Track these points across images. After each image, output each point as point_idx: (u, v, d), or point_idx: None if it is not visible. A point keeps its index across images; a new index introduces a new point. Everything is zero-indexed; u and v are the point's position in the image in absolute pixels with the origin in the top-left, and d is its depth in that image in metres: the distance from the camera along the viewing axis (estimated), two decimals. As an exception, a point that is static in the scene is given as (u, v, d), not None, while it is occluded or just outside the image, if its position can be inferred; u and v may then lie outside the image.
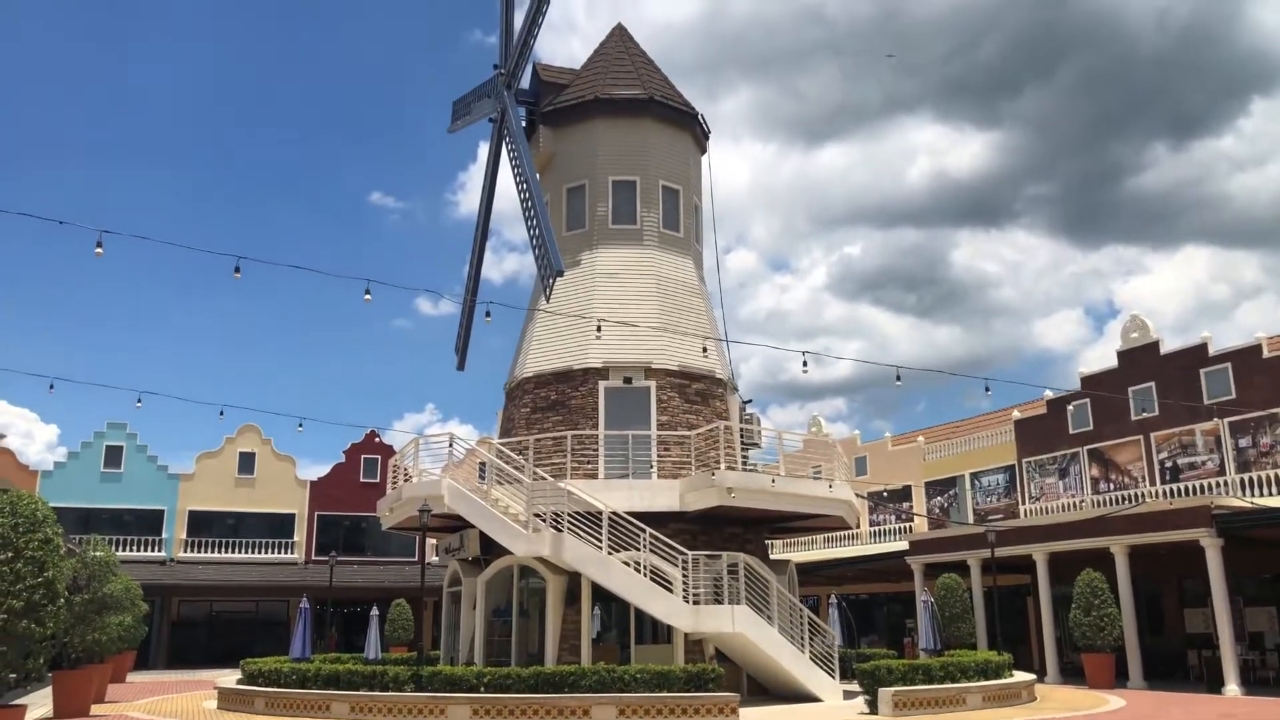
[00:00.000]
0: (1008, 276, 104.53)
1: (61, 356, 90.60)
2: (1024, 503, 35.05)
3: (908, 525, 38.72)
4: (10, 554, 12.64)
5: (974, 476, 37.53)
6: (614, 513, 19.48)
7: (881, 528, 40.20)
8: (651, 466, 21.87)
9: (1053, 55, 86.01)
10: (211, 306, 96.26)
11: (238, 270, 16.99)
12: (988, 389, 20.81)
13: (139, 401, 26.97)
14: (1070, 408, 33.69)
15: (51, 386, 26.00)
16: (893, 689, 17.93)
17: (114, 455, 44.53)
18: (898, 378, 20.45)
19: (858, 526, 29.21)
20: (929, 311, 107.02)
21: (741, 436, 21.82)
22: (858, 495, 25.96)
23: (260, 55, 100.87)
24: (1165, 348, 31.06)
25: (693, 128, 25.87)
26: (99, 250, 15.47)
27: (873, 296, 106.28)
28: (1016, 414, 36.53)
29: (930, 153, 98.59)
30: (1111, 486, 31.94)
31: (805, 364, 20.09)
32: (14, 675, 13.10)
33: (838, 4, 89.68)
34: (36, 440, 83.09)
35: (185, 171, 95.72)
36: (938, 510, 38.51)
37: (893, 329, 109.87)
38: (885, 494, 40.66)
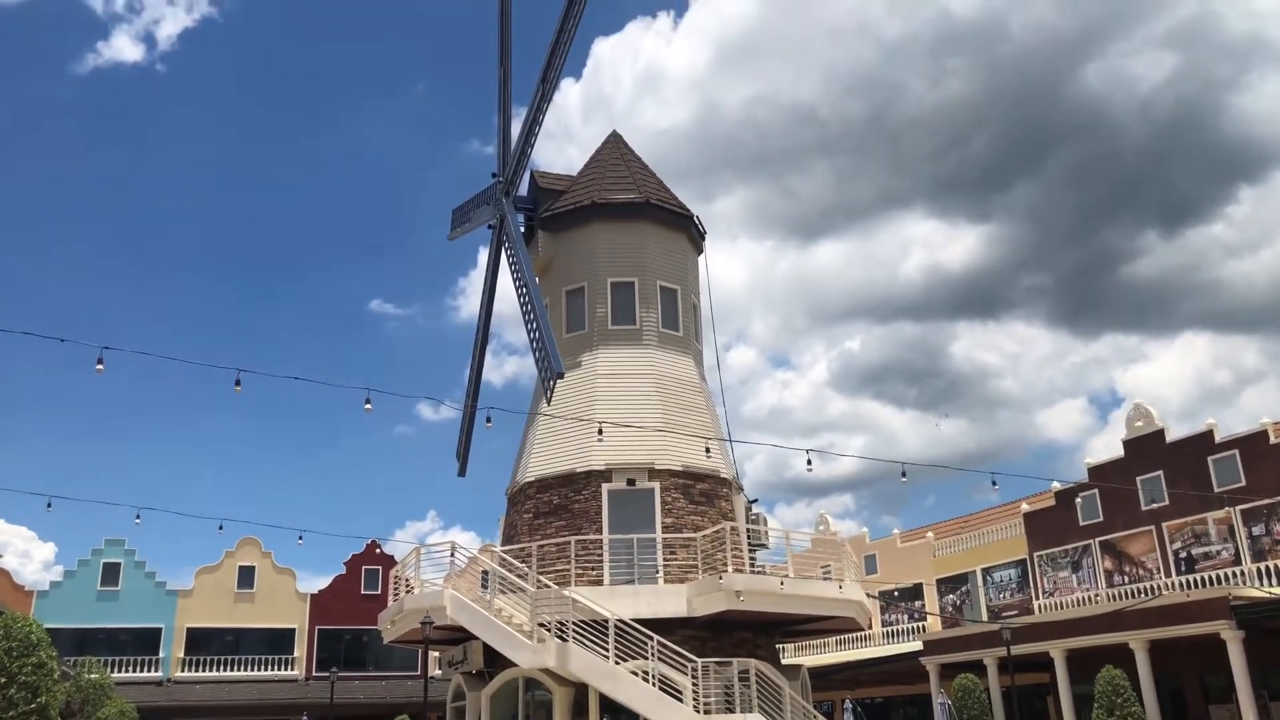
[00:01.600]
0: (1008, 367, 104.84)
1: (61, 474, 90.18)
2: (1038, 598, 34.38)
3: (921, 625, 37.90)
4: (3, 679, 12.28)
5: (985, 572, 36.91)
6: (620, 620, 19.04)
7: (894, 628, 39.34)
8: (657, 571, 21.47)
9: (1041, 148, 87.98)
10: (212, 419, 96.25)
11: (238, 383, 16.98)
12: (994, 483, 20.61)
13: (138, 518, 26.60)
14: (1079, 499, 33.32)
15: (49, 505, 25.69)
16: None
17: (111, 573, 43.84)
18: (903, 474, 20.26)
19: (870, 627, 28.56)
20: (932, 404, 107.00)
21: (749, 537, 21.47)
22: (869, 595, 25.43)
23: (259, 167, 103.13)
24: (1171, 435, 30.89)
25: (688, 229, 26.21)
26: (100, 367, 15.49)
27: (874, 390, 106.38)
28: (1025, 507, 36.13)
29: (925, 247, 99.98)
30: (1126, 579, 31.37)
31: (810, 462, 19.96)
32: (1, 808, 12.58)
33: (828, 106, 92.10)
34: (34, 559, 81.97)
35: (186, 285, 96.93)
36: (950, 608, 37.75)
37: (896, 423, 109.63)
38: (896, 593, 39.90)
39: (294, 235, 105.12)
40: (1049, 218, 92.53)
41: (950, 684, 28.77)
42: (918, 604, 38.99)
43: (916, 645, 32.88)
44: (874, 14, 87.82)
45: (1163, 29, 79.72)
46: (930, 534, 40.62)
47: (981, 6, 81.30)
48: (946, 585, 38.49)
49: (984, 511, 41.48)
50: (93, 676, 22.62)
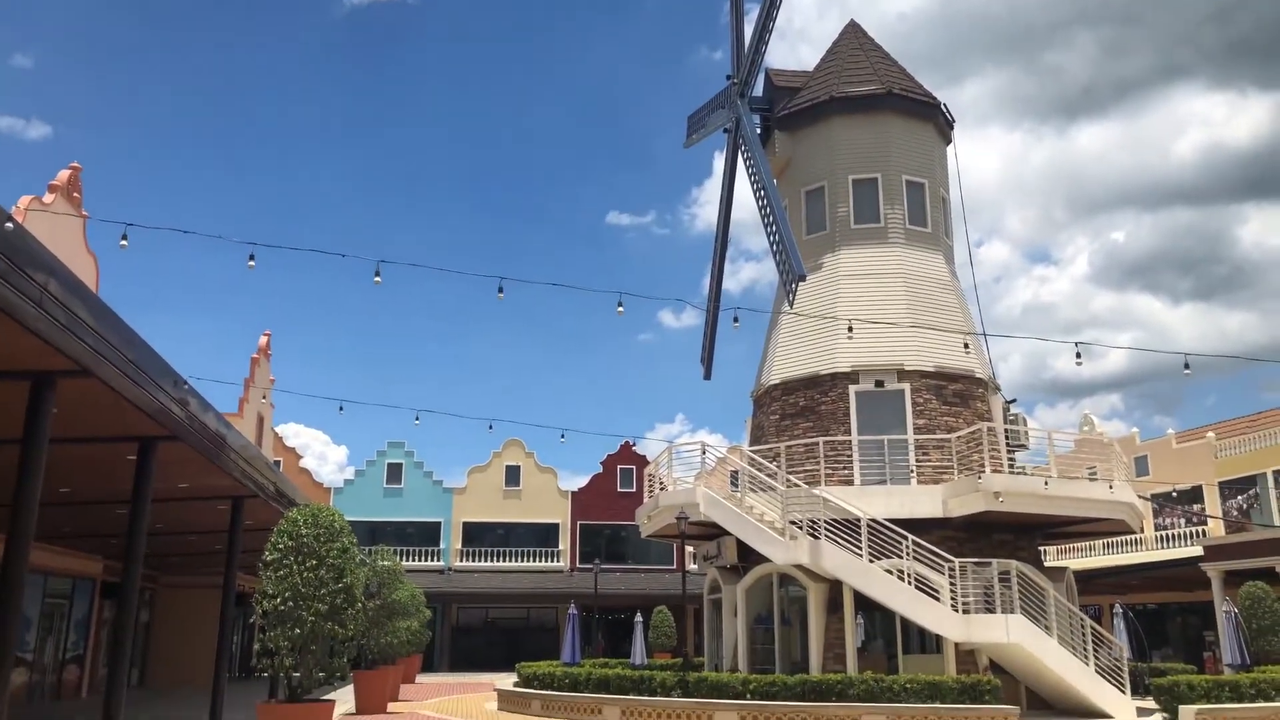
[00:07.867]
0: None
1: (349, 380, 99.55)
2: (1342, 502, 31.12)
3: (1200, 529, 35.32)
4: (314, 561, 13.85)
5: (1277, 474, 33.73)
6: (873, 519, 18.97)
7: (1169, 532, 36.88)
8: (910, 472, 21.13)
9: (1349, -2, 76.31)
10: (477, 328, 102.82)
11: (501, 290, 17.93)
12: (1292, 375, 18.56)
13: (417, 419, 29.14)
14: (1395, 393, 29.58)
15: (341, 408, 28.61)
16: (1195, 707, 16.38)
17: (395, 472, 48.25)
18: (1186, 365, 18.67)
19: (1142, 531, 26.95)
20: (1211, 295, 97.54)
21: (1007, 438, 20.66)
22: (1141, 497, 23.94)
23: (501, 89, 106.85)
24: None
25: (935, 118, 24.91)
26: (377, 279, 16.81)
27: (1143, 283, 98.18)
28: (1327, 403, 32.53)
29: (1203, 123, 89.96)
30: None
31: (1079, 355, 18.76)
32: (322, 674, 14.33)
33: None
34: (329, 460, 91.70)
35: (444, 205, 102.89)
36: (1236, 512, 34.89)
37: (1169, 317, 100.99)
38: (1175, 494, 37.29)
39: (536, 153, 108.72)
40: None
41: (1235, 591, 26.79)
42: (1197, 507, 36.29)
43: (1195, 551, 30.73)
44: None
45: None
46: (1211, 434, 37.47)
47: None
48: (1231, 488, 35.53)
49: (1276, 410, 37.71)
50: (386, 564, 25.10)
